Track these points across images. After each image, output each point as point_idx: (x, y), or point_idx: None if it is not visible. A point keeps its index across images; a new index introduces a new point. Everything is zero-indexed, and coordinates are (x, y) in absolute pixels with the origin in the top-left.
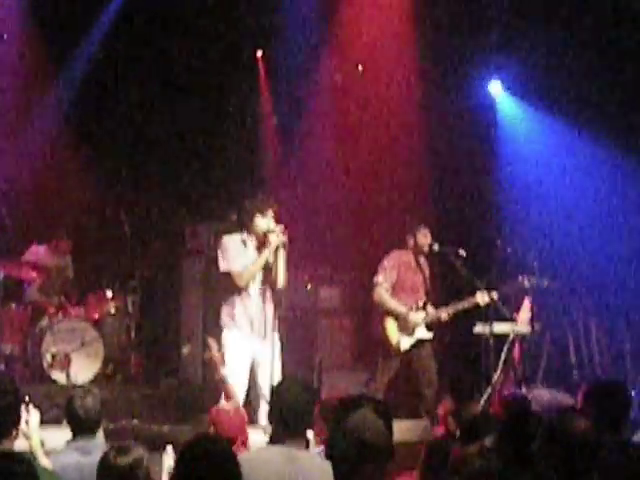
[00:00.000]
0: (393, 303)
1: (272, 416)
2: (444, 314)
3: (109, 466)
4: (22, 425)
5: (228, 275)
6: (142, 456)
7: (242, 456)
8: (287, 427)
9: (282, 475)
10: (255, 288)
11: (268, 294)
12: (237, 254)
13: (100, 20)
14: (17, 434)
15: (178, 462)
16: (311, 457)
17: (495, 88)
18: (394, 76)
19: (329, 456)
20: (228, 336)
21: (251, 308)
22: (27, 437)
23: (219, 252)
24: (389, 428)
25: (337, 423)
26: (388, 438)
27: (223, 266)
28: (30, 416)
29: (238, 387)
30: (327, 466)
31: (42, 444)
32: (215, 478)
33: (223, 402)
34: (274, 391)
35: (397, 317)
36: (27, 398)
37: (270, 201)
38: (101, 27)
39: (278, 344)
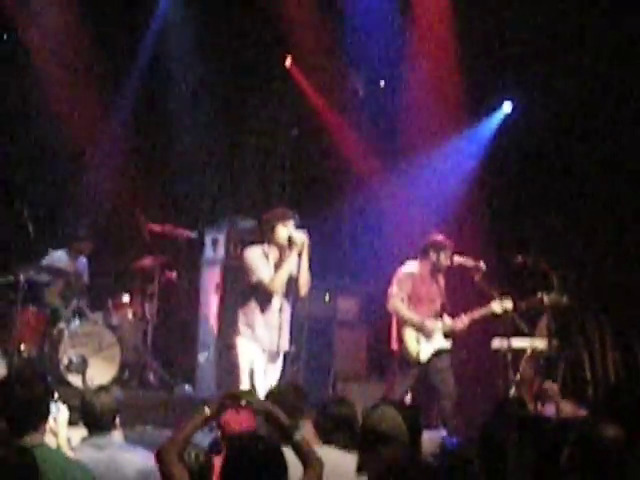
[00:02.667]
0: (408, 312)
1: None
2: (460, 323)
3: None
4: (50, 422)
5: (255, 286)
6: None
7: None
8: None
9: None
10: (278, 300)
11: (288, 307)
12: (262, 265)
13: None
14: (45, 430)
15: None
16: None
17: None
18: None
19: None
20: (244, 344)
21: (273, 321)
22: (54, 434)
23: (245, 266)
24: (412, 425)
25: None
26: (404, 430)
27: (253, 279)
28: (58, 413)
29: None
30: None
31: (69, 441)
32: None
33: None
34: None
35: (415, 327)
36: (56, 395)
37: (290, 212)
38: None
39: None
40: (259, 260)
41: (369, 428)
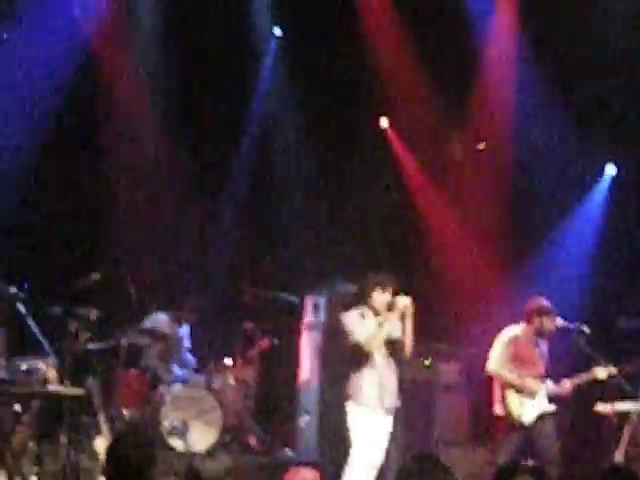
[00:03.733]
0: (508, 374)
1: None
2: (564, 388)
3: None
4: None
5: (354, 348)
6: None
7: None
8: None
9: None
10: (381, 360)
11: (391, 367)
12: (358, 325)
13: None
14: None
15: None
16: None
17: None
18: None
19: None
20: (355, 410)
21: (379, 380)
22: None
23: (344, 329)
24: None
25: None
26: None
27: (350, 340)
28: None
29: (369, 465)
30: None
31: None
32: None
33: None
34: None
35: (516, 388)
36: None
37: (391, 278)
38: None
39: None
40: (356, 322)
41: None
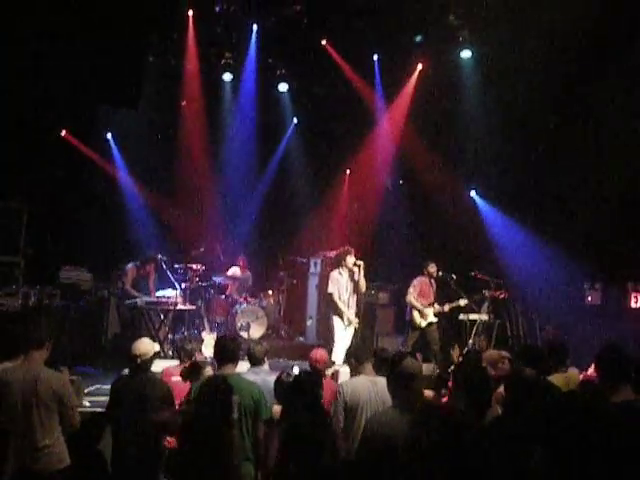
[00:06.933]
0: (416, 303)
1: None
2: (444, 309)
3: (280, 382)
4: None
5: (327, 295)
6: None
7: (345, 381)
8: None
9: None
10: (348, 295)
11: (355, 298)
12: (333, 284)
13: None
14: (236, 364)
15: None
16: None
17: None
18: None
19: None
20: (337, 320)
21: (349, 305)
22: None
23: (329, 280)
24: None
25: (394, 365)
26: (422, 372)
27: (327, 289)
28: None
29: (343, 346)
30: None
31: None
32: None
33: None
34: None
35: (419, 310)
36: None
37: (351, 249)
38: None
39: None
40: (334, 281)
41: (403, 370)
